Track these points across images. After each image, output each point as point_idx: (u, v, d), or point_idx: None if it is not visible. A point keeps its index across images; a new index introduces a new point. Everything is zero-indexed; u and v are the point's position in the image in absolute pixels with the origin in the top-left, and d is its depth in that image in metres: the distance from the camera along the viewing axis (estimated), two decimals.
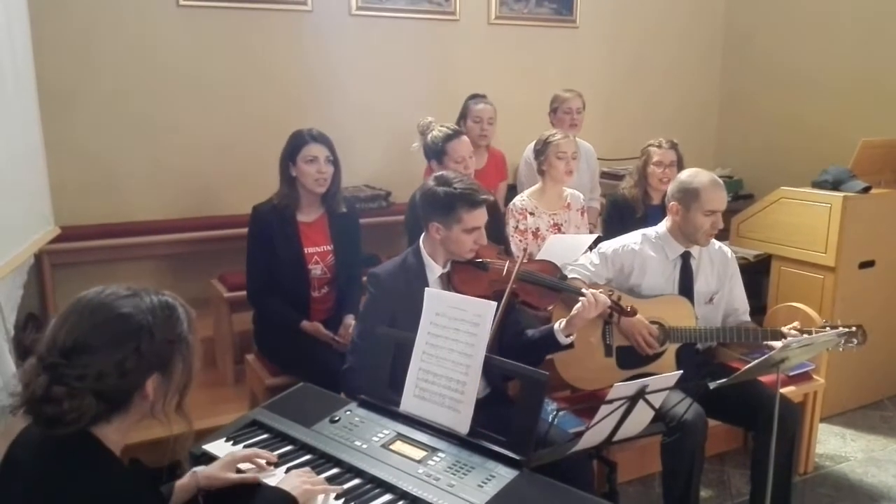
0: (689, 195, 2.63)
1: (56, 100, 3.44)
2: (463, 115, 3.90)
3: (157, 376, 1.29)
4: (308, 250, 2.88)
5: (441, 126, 3.15)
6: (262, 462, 1.67)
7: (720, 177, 2.73)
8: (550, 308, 2.59)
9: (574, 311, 2.24)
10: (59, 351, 1.24)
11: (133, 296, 1.31)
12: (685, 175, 2.70)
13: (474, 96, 3.97)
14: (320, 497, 1.55)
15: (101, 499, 1.23)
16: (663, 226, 2.76)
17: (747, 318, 2.84)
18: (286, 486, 1.52)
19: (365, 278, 2.39)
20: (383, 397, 1.91)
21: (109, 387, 1.24)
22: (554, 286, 2.49)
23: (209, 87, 3.90)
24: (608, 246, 2.78)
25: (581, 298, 2.25)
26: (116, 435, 1.30)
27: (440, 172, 2.38)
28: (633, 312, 2.41)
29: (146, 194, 3.83)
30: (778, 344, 2.40)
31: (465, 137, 3.09)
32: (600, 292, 2.27)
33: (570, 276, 2.71)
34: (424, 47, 4.46)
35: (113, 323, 1.26)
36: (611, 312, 2.33)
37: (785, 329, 2.55)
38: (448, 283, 2.34)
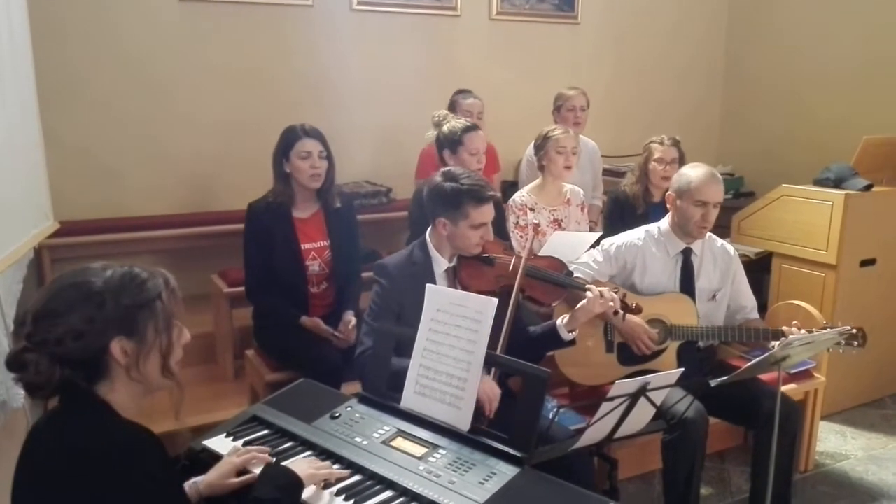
0: (682, 185, 2.65)
1: (55, 94, 3.44)
2: (451, 111, 3.89)
3: (123, 340, 1.33)
4: (305, 246, 2.87)
5: (458, 119, 3.19)
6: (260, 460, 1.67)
7: (721, 174, 2.73)
8: (555, 304, 2.58)
9: (579, 305, 2.24)
10: (29, 321, 1.33)
11: (100, 268, 1.38)
12: (685, 167, 2.73)
13: (461, 91, 3.97)
14: (325, 492, 1.55)
15: (103, 445, 1.28)
16: (665, 222, 2.76)
17: (756, 315, 2.84)
18: (293, 467, 1.54)
19: (371, 272, 2.38)
20: (384, 393, 1.91)
21: (69, 350, 1.30)
22: (560, 282, 2.48)
23: (208, 83, 3.89)
24: (611, 242, 2.78)
25: (587, 293, 2.25)
26: (115, 398, 1.35)
27: (448, 168, 2.37)
28: (639, 310, 2.41)
29: (146, 189, 3.83)
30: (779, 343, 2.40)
31: (481, 132, 3.11)
32: (607, 289, 2.27)
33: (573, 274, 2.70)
34: (425, 43, 4.45)
35: (65, 291, 1.33)
36: (616, 310, 2.32)
37: (786, 328, 2.55)
38: (454, 277, 2.34)
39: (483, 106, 3.90)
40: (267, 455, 1.69)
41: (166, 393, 1.44)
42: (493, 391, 2.07)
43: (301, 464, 1.58)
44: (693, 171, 2.65)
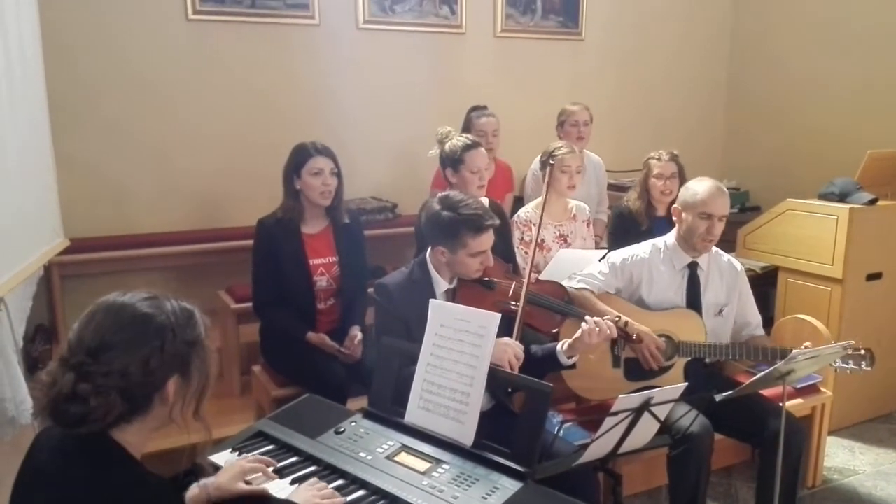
0: (688, 198, 2.67)
1: (66, 113, 3.48)
2: (466, 129, 3.91)
3: (177, 378, 1.33)
4: (313, 262, 2.89)
5: (460, 136, 3.17)
6: (269, 471, 1.68)
7: (727, 188, 2.74)
8: (555, 330, 2.59)
9: (576, 336, 2.23)
10: (86, 350, 1.27)
11: (153, 299, 1.35)
12: (692, 181, 2.75)
13: (476, 108, 3.98)
14: None
15: (122, 500, 1.25)
16: (672, 236, 2.77)
17: (761, 331, 2.83)
18: (297, 500, 1.53)
19: (372, 290, 2.39)
20: (388, 408, 1.92)
21: (134, 384, 1.27)
22: (559, 310, 2.48)
23: (216, 101, 3.93)
24: (618, 256, 2.79)
25: (582, 325, 2.21)
26: (135, 439, 1.33)
27: (445, 193, 2.37)
28: (639, 340, 2.41)
29: (155, 206, 3.86)
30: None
31: (482, 149, 3.09)
32: (606, 319, 2.24)
33: (577, 285, 2.70)
34: (431, 60, 4.49)
35: (137, 321, 1.30)
36: (614, 339, 2.31)
37: (796, 350, 2.53)
38: (454, 299, 2.34)
39: (498, 123, 3.91)
40: (270, 469, 1.70)
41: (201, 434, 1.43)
42: (513, 348, 2.07)
43: (304, 493, 1.56)
44: (699, 185, 2.67)
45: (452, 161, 3.05)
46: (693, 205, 2.63)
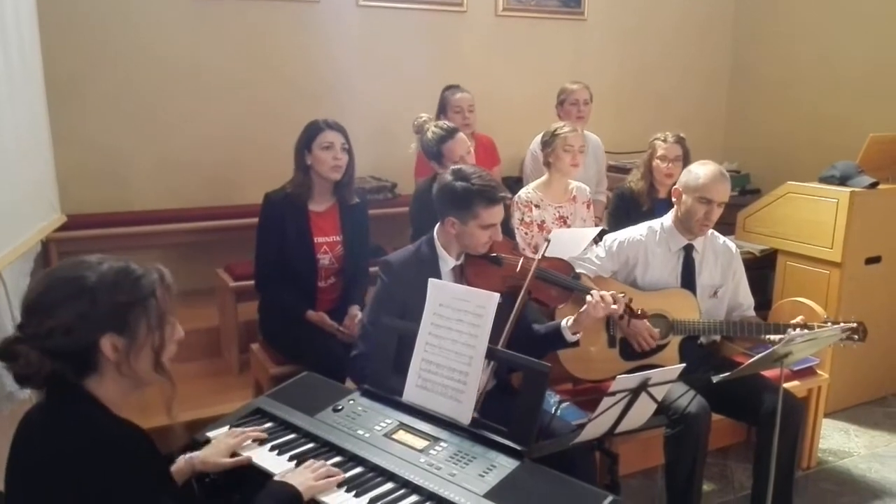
0: (690, 181, 2.66)
1: (63, 89, 3.46)
2: (442, 109, 3.88)
3: (113, 336, 1.32)
4: (318, 240, 2.89)
5: (435, 126, 3.12)
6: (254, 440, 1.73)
7: (727, 170, 2.73)
8: (561, 306, 2.59)
9: (582, 309, 2.24)
10: (23, 312, 1.34)
11: (95, 262, 1.36)
12: (695, 164, 2.73)
13: (450, 87, 3.94)
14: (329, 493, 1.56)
15: (90, 441, 1.28)
16: (669, 218, 2.77)
17: (752, 313, 2.84)
18: (293, 481, 1.53)
19: (376, 267, 2.39)
20: (386, 387, 1.92)
21: (59, 345, 1.29)
22: (567, 285, 2.48)
23: (216, 78, 3.90)
24: (613, 238, 2.79)
25: (587, 298, 2.23)
26: (107, 394, 1.35)
27: (458, 166, 2.36)
28: (644, 315, 2.41)
29: (153, 184, 3.85)
30: (779, 338, 2.40)
31: (459, 135, 3.06)
32: (612, 294, 2.26)
33: (576, 270, 2.70)
34: (431, 39, 4.45)
35: (57, 285, 1.32)
36: (620, 314, 2.32)
37: (793, 332, 2.54)
38: (461, 275, 2.34)
39: (473, 99, 3.88)
40: (261, 434, 1.74)
41: (164, 388, 1.43)
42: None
43: (300, 476, 1.57)
44: (702, 169, 2.65)
45: (434, 155, 3.04)
46: (694, 188, 2.63)
